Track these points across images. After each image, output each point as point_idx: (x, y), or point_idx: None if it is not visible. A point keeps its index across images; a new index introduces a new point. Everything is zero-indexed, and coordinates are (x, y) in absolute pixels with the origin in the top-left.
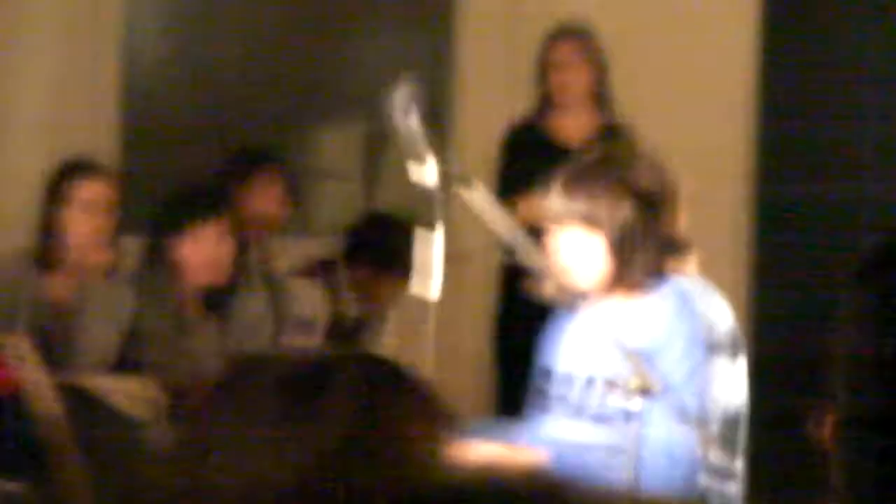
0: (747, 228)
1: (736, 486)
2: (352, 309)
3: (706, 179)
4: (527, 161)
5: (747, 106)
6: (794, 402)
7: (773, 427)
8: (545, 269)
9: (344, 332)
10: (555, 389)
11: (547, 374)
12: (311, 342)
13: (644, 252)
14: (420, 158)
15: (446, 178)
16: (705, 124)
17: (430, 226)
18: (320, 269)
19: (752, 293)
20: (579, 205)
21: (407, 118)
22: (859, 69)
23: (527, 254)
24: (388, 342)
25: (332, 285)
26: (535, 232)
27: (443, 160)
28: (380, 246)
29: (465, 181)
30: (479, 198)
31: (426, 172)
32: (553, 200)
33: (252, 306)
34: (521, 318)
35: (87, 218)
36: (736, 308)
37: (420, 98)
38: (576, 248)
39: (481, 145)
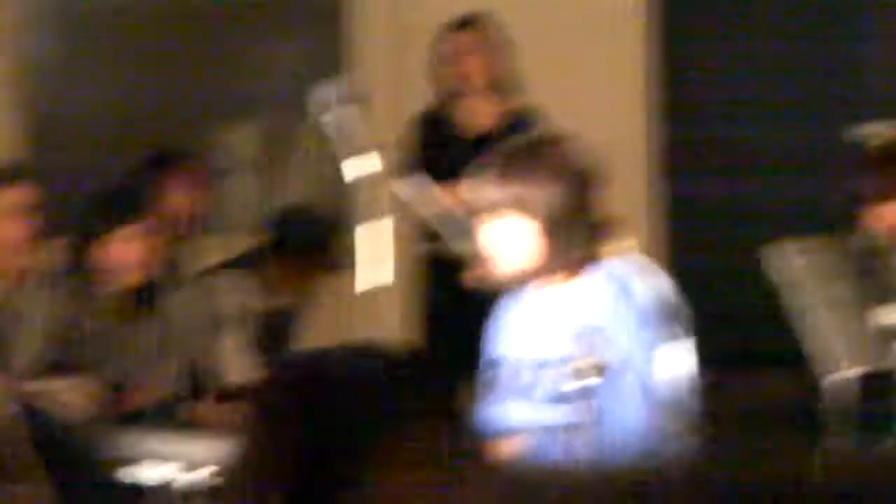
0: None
1: None
2: (280, 302)
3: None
4: (436, 151)
5: (645, 104)
6: None
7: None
8: (479, 257)
9: (273, 325)
10: (506, 376)
11: (495, 363)
12: (242, 336)
13: (578, 234)
14: (357, 152)
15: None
16: (602, 121)
17: (366, 216)
18: (247, 264)
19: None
20: (511, 191)
21: (340, 113)
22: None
23: (460, 242)
24: (306, 329)
25: (260, 279)
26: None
27: (382, 151)
28: (303, 238)
29: (399, 172)
30: (409, 189)
31: (365, 164)
32: (485, 188)
33: (181, 302)
34: (449, 308)
35: (11, 223)
36: None
37: (350, 93)
38: (510, 235)
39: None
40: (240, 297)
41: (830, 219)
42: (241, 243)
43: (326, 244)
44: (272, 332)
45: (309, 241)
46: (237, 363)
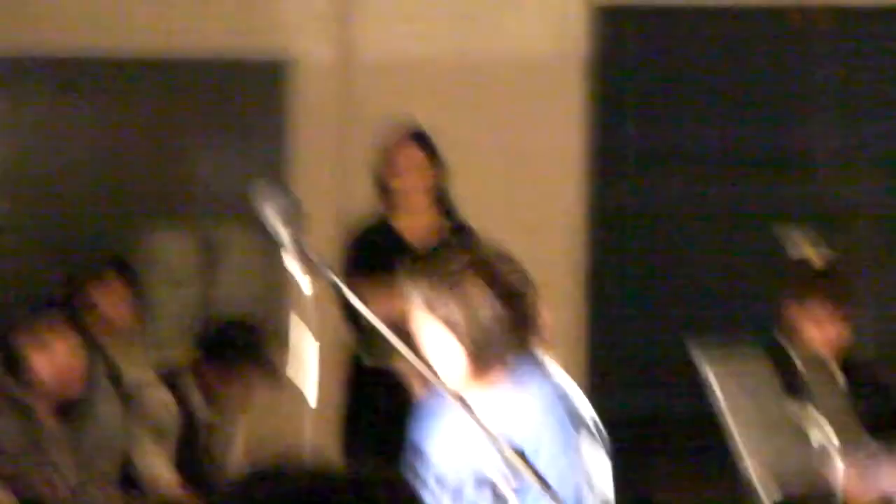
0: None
1: None
2: (203, 413)
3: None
4: (375, 261)
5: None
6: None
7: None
8: (410, 365)
9: (195, 436)
10: (428, 477)
11: (419, 453)
12: (164, 448)
13: (503, 351)
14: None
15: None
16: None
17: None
18: (171, 376)
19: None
20: (437, 313)
21: (274, 220)
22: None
23: (390, 350)
24: (237, 443)
25: (182, 391)
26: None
27: (309, 262)
28: (227, 350)
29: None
30: (351, 298)
31: (295, 276)
32: (415, 301)
33: (105, 413)
34: (367, 413)
35: None
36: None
37: (292, 206)
38: (436, 346)
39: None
40: (162, 408)
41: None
42: (172, 353)
43: (250, 354)
44: (200, 446)
45: (232, 352)
46: (161, 476)
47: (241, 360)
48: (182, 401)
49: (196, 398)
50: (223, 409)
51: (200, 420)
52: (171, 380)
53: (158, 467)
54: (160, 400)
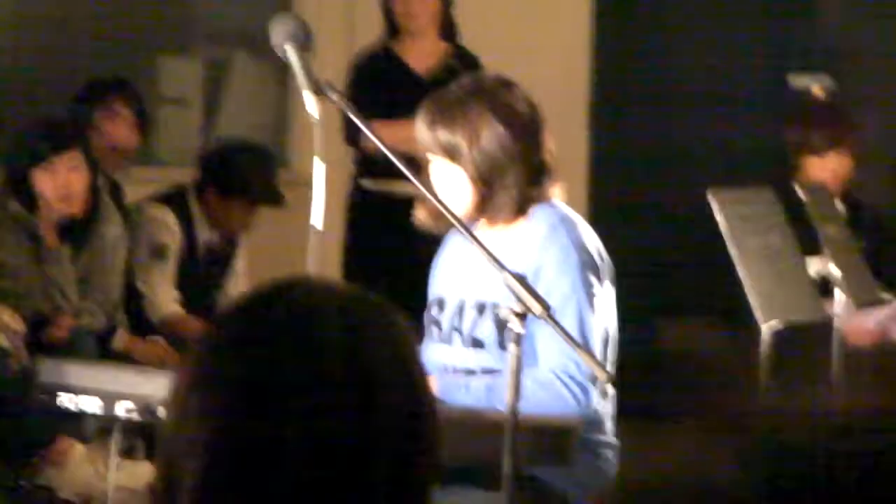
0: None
1: (609, 404)
2: (205, 235)
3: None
4: (378, 88)
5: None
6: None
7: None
8: (421, 197)
9: (197, 258)
10: (430, 314)
11: (432, 301)
12: (165, 268)
13: (509, 182)
14: (305, 87)
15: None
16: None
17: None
18: (173, 197)
19: None
20: (440, 136)
21: (289, 50)
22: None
23: (405, 181)
24: (239, 268)
25: (185, 212)
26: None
27: (319, 91)
28: (230, 172)
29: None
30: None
31: (306, 101)
32: (419, 131)
33: (108, 234)
34: (369, 245)
35: None
36: None
37: (299, 30)
38: (442, 178)
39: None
40: (164, 229)
41: (769, 165)
42: (176, 176)
43: (252, 179)
44: (201, 269)
45: (235, 176)
46: (163, 295)
47: (243, 183)
48: (185, 221)
49: (199, 219)
50: (225, 230)
51: (203, 241)
52: (174, 200)
53: (161, 287)
54: (162, 220)
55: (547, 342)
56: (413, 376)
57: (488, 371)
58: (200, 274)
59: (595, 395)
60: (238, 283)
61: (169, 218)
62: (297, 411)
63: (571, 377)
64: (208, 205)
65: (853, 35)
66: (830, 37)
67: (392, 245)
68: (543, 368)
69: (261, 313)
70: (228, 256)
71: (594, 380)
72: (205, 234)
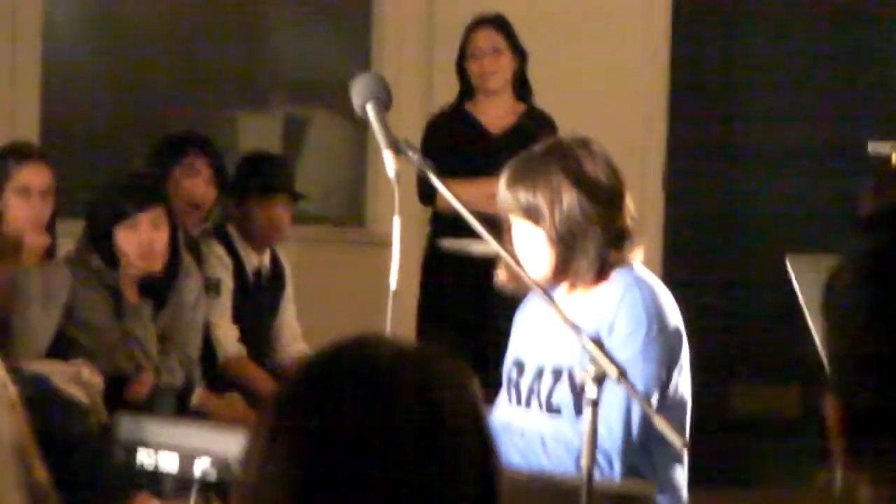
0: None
1: (682, 470)
2: (251, 261)
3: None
4: (451, 147)
5: (660, 107)
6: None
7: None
8: (497, 259)
9: (248, 287)
10: (509, 377)
11: (512, 363)
12: (221, 304)
13: (588, 246)
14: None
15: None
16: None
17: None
18: (216, 229)
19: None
20: (520, 198)
21: (367, 108)
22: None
23: (481, 241)
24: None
25: (229, 241)
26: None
27: (398, 149)
28: (245, 180)
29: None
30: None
31: (385, 160)
32: (500, 192)
33: (187, 291)
34: (443, 305)
35: (24, 202)
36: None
37: (379, 88)
38: (522, 240)
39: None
40: (222, 262)
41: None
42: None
43: (276, 177)
44: (253, 299)
45: (258, 179)
46: (223, 334)
47: (260, 187)
48: (230, 251)
49: (241, 245)
50: (265, 244)
51: (250, 268)
52: (217, 232)
53: (220, 325)
54: (213, 253)
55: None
56: (483, 432)
57: (560, 438)
58: (254, 305)
59: (619, 467)
60: (290, 310)
61: (218, 250)
62: (374, 461)
63: (599, 449)
64: (242, 223)
65: None
66: None
67: (466, 305)
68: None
69: (336, 366)
70: (278, 281)
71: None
72: (251, 261)
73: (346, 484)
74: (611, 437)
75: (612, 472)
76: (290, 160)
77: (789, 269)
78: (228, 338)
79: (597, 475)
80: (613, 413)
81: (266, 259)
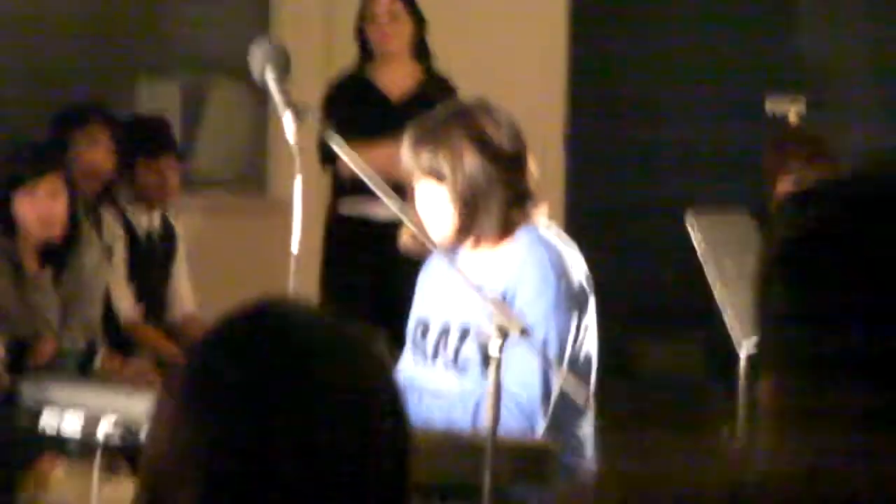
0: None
1: (588, 425)
2: (142, 223)
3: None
4: (350, 111)
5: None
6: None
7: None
8: (402, 221)
9: (140, 251)
10: (414, 336)
11: (416, 323)
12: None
13: (491, 205)
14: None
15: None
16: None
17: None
18: (103, 195)
19: None
20: (423, 159)
21: (266, 74)
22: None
23: (383, 204)
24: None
25: (117, 206)
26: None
27: (298, 113)
28: (139, 140)
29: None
30: (336, 148)
31: (285, 125)
32: (404, 154)
33: (88, 258)
34: (346, 264)
35: None
36: None
37: (278, 55)
38: (426, 200)
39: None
40: (110, 228)
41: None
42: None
43: (161, 137)
44: (145, 261)
45: (147, 141)
46: (119, 300)
47: (153, 144)
48: (120, 214)
49: (130, 207)
50: (154, 200)
51: (136, 228)
52: (104, 198)
53: (121, 298)
54: (107, 221)
55: (509, 366)
56: (393, 391)
57: (467, 394)
58: (146, 266)
59: (542, 426)
60: (183, 271)
61: (108, 216)
62: (289, 428)
63: (520, 407)
64: (131, 185)
65: (831, 53)
66: (807, 56)
67: (368, 268)
68: None
69: (247, 330)
70: (170, 242)
71: (548, 409)
72: (142, 223)
73: (260, 448)
74: (529, 395)
75: (534, 429)
76: (190, 126)
77: (689, 225)
78: (122, 301)
79: (517, 434)
80: (529, 370)
81: (156, 221)
